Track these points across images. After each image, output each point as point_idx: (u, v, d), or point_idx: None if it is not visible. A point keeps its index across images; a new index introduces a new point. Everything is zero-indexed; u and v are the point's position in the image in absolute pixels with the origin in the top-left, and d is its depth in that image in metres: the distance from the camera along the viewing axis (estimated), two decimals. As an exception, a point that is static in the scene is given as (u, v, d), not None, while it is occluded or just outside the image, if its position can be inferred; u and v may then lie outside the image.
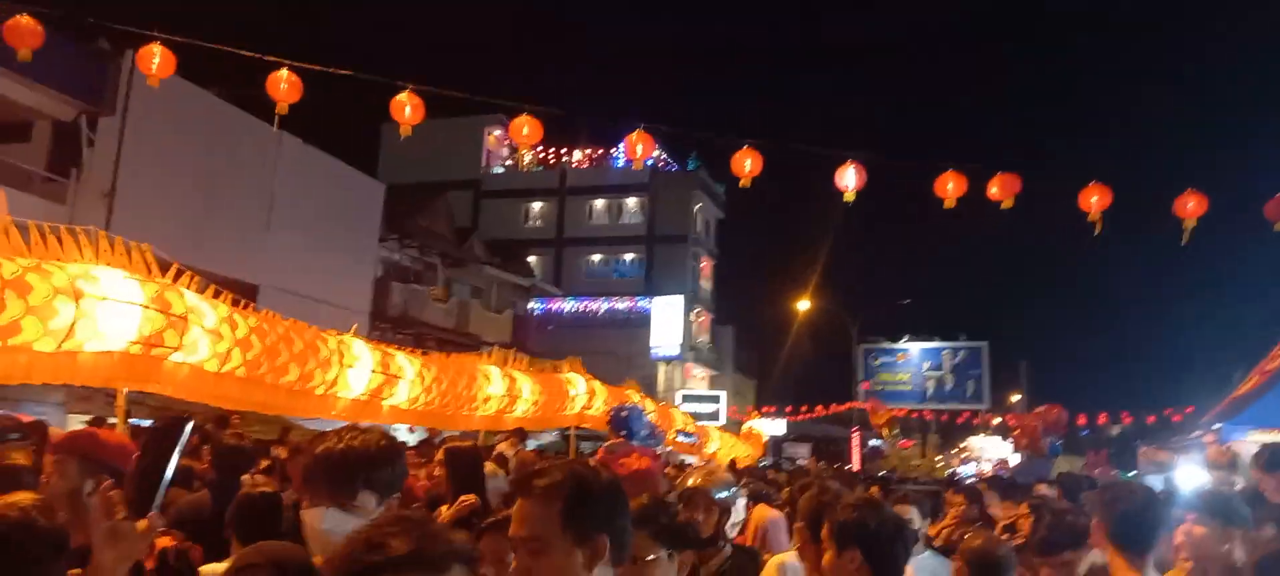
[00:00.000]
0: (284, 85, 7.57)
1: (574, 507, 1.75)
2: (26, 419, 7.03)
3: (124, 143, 16.84)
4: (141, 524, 1.80)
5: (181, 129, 17.75)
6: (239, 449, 4.85)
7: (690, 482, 4.18)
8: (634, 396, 10.31)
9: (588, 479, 1.81)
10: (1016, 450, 12.51)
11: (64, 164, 16.59)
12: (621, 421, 5.10)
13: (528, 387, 8.21)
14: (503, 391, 7.80)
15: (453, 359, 7.48)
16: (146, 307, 3.97)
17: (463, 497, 3.81)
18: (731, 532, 4.03)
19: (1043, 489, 7.66)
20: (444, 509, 3.87)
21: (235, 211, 19.40)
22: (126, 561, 1.81)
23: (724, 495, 3.99)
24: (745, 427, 22.09)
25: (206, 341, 4.39)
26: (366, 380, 6.01)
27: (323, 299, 20.21)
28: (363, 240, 24.67)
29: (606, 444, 5.22)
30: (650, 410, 13.21)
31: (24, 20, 6.87)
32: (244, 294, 5.40)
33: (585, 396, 9.43)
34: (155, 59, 7.29)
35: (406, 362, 6.56)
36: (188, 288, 4.43)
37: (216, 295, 4.74)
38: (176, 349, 4.20)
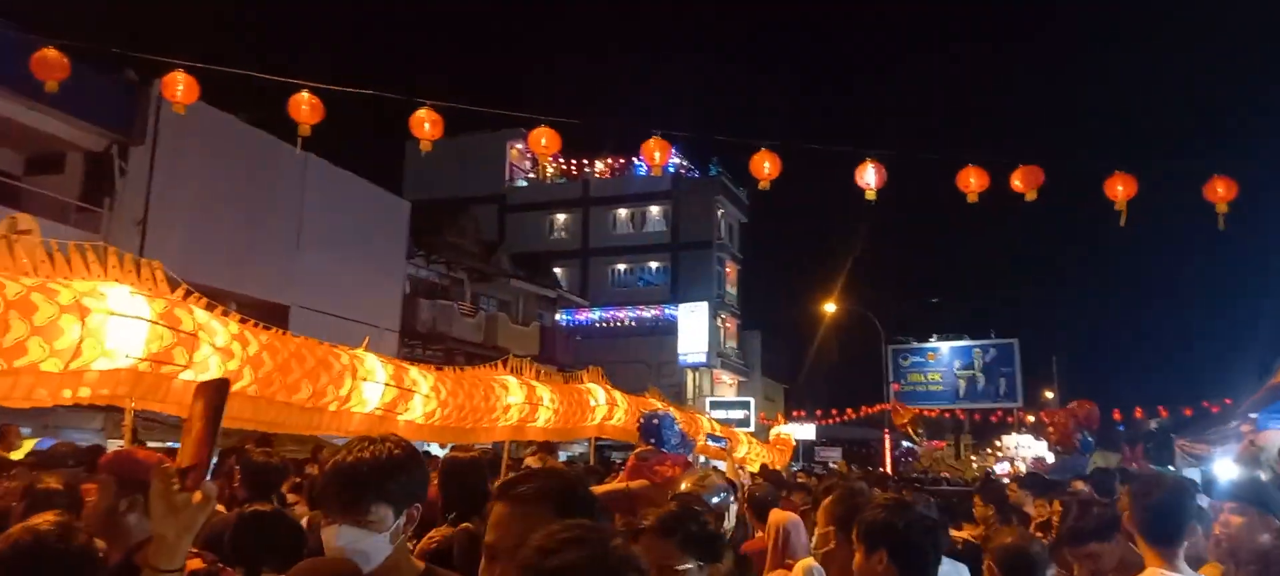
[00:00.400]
0: (305, 107, 7.67)
1: (564, 513, 1.68)
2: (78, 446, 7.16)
3: (154, 171, 17.15)
4: (197, 494, 1.74)
5: (210, 155, 18.05)
6: (269, 466, 4.86)
7: (681, 487, 4.13)
8: (656, 404, 10.27)
9: (575, 484, 1.78)
10: (1049, 447, 12.26)
11: (97, 194, 16.93)
12: (652, 429, 5.08)
13: (548, 397, 8.15)
14: (522, 400, 7.73)
15: (469, 371, 7.41)
16: (155, 323, 3.91)
17: (461, 525, 3.67)
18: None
19: (1079, 486, 7.54)
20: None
21: (265, 234, 19.66)
22: (188, 532, 1.75)
23: (716, 500, 3.92)
24: (773, 433, 21.72)
25: (217, 359, 4.33)
26: (381, 394, 5.93)
27: (353, 317, 20.41)
28: (390, 258, 24.89)
29: (637, 452, 5.19)
30: (678, 418, 13.18)
31: (50, 53, 7.02)
32: (275, 315, 5.36)
33: (606, 407, 9.37)
34: (179, 86, 7.42)
35: (420, 376, 6.46)
36: (198, 305, 4.37)
37: (242, 317, 4.71)
38: (186, 366, 4.14)
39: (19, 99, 14.77)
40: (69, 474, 4.16)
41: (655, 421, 5.00)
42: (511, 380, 7.82)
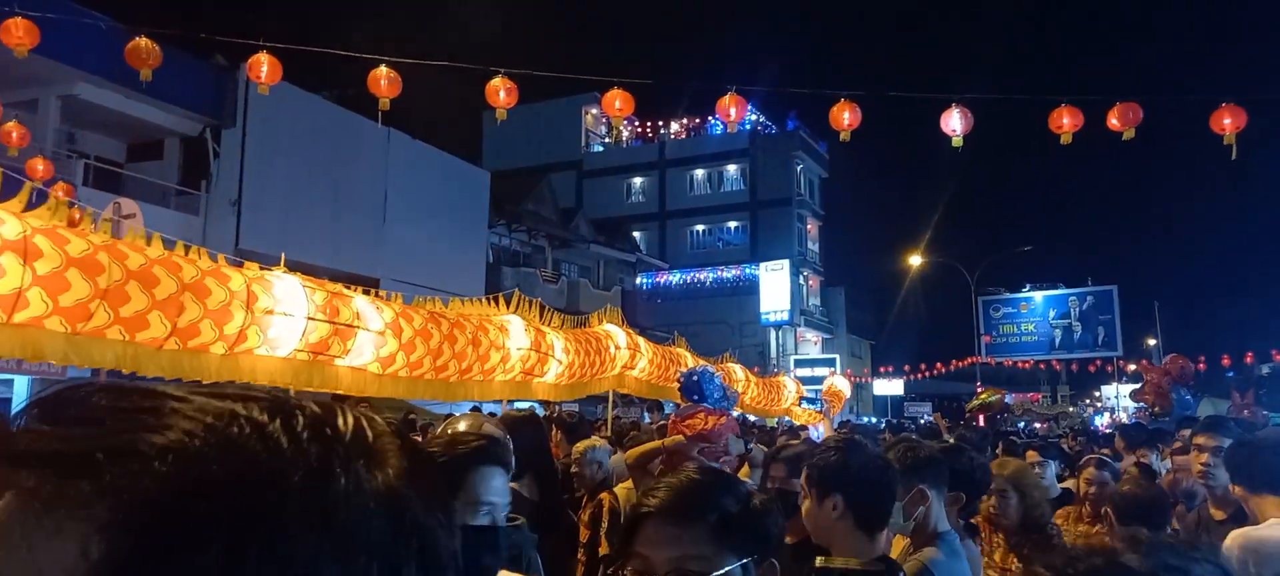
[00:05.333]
0: (384, 82, 7.83)
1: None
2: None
3: (246, 152, 17.81)
4: None
5: (297, 135, 18.63)
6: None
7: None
8: (685, 356, 9.69)
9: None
10: (1143, 403, 11.58)
11: (195, 177, 17.72)
12: (693, 385, 5.09)
13: (560, 346, 6.89)
14: (527, 347, 6.32)
15: (454, 306, 6.19)
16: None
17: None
18: None
19: (1186, 435, 7.22)
20: None
21: (353, 209, 20.24)
22: None
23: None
24: (825, 387, 20.69)
25: None
26: (300, 332, 4.51)
27: (439, 288, 20.87)
28: (472, 228, 25.34)
29: (678, 408, 5.19)
30: (750, 381, 12.96)
31: (142, 42, 7.32)
32: (366, 288, 5.25)
33: (627, 353, 8.24)
34: (263, 67, 7.64)
35: (369, 308, 4.98)
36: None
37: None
38: None
39: (119, 88, 15.50)
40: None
41: (695, 377, 4.99)
42: (515, 321, 6.39)
